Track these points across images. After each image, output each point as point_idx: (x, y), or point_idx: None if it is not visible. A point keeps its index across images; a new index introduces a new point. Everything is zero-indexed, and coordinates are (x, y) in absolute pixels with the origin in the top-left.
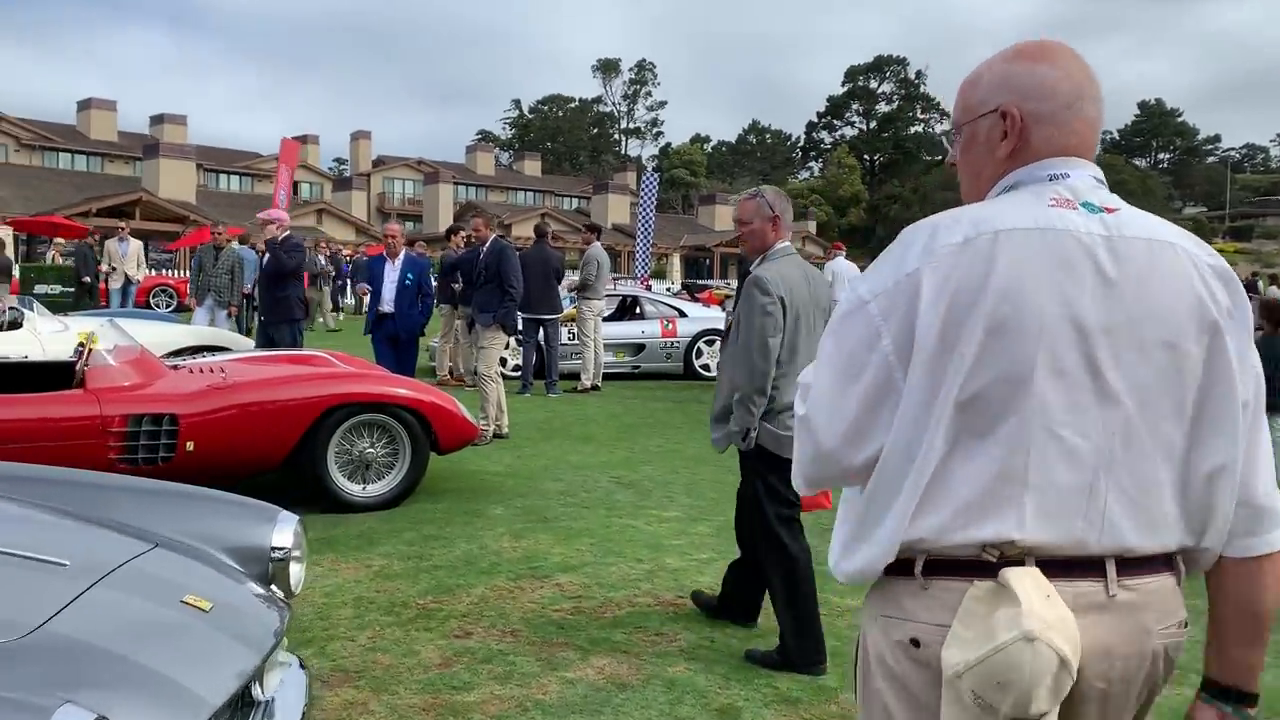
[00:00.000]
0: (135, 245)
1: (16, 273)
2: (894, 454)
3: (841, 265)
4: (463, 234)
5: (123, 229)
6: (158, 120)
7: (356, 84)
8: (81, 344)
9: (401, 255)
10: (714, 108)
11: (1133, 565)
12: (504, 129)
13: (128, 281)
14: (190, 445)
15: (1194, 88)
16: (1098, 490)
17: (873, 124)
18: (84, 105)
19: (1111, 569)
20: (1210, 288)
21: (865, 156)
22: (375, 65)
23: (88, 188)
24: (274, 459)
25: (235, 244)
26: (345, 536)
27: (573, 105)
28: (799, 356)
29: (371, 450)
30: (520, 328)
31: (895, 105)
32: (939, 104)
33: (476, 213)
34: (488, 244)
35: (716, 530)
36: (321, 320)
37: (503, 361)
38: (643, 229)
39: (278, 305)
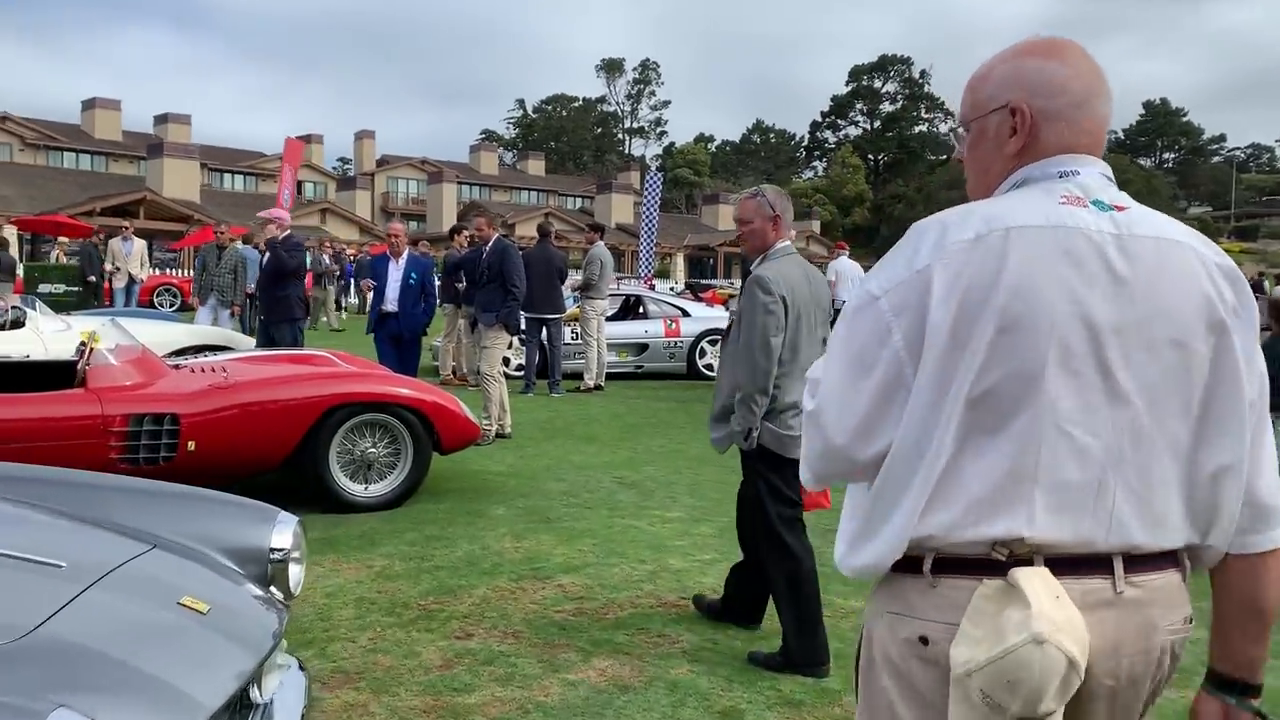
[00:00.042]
0: (139, 244)
1: (20, 272)
2: (903, 450)
3: (845, 265)
4: (466, 233)
5: (126, 228)
6: (162, 120)
7: (361, 84)
8: (83, 343)
9: (405, 254)
10: (718, 107)
11: (1139, 562)
12: (508, 128)
13: (131, 281)
14: (191, 445)
15: (1199, 87)
16: (1106, 488)
17: (877, 123)
18: (88, 105)
19: (1119, 566)
20: (1218, 287)
21: (869, 156)
22: (379, 65)
23: (92, 187)
24: (275, 459)
25: (239, 243)
26: (347, 537)
27: (577, 105)
28: (800, 356)
29: (373, 450)
30: (523, 327)
31: (899, 105)
32: (943, 103)
33: (479, 212)
34: (490, 243)
35: (719, 531)
36: (326, 320)
37: (506, 361)
38: (646, 228)
39: (278, 305)
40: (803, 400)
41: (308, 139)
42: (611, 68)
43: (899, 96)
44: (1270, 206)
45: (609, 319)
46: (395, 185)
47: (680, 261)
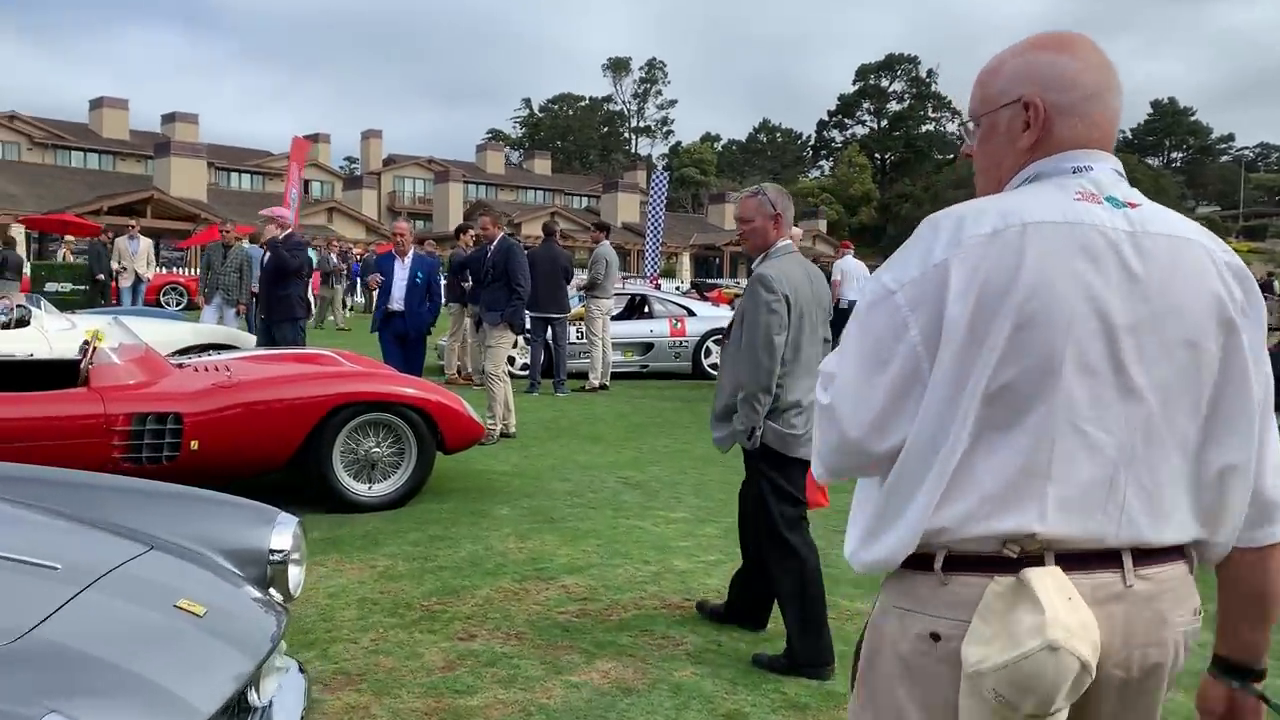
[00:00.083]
0: (145, 243)
1: (28, 270)
2: (918, 445)
3: (850, 264)
4: (472, 232)
5: (133, 227)
6: (169, 119)
7: (367, 83)
8: (86, 342)
9: (410, 253)
10: (724, 106)
11: (1147, 556)
12: (514, 128)
13: (138, 279)
14: (195, 444)
15: (1207, 87)
16: (1118, 485)
17: (884, 123)
18: (96, 104)
19: (1128, 560)
20: (1228, 286)
21: (876, 155)
22: (386, 65)
23: (100, 186)
24: (279, 458)
25: (244, 242)
26: (350, 537)
27: (583, 104)
28: (802, 354)
29: (377, 450)
30: (528, 326)
31: (906, 104)
32: (950, 103)
33: (485, 211)
34: (495, 242)
35: (724, 532)
36: (332, 318)
37: (511, 360)
38: (652, 228)
39: (279, 304)
40: (816, 394)
41: (315, 138)
42: (618, 67)
43: (906, 96)
44: (1279, 206)
45: (614, 318)
46: (402, 184)
47: (686, 261)
